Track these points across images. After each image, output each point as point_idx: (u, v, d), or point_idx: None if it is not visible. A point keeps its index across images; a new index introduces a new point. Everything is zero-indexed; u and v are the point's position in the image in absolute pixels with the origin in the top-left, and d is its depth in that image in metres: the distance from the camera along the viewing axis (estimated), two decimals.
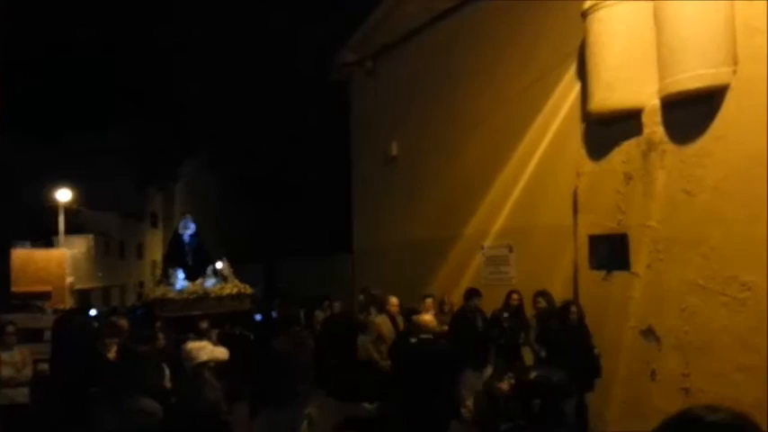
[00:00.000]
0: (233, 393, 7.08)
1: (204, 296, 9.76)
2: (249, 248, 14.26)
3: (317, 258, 16.12)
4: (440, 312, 8.66)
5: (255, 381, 5.91)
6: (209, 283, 10.06)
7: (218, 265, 10.41)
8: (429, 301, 8.78)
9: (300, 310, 11.47)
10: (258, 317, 10.97)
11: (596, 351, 6.55)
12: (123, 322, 7.47)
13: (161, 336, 6.59)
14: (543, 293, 7.42)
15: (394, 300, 8.15)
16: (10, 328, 7.10)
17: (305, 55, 15.71)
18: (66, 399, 5.68)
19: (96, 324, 8.12)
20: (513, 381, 6.27)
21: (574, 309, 6.63)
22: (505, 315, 7.77)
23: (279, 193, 19.29)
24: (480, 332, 7.93)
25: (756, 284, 5.50)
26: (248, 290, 10.28)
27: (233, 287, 10.07)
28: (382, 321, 8.02)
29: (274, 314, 11.74)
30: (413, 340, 5.89)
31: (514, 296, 7.91)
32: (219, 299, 9.83)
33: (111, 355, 5.95)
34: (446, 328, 8.23)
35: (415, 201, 11.03)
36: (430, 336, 5.35)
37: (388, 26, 11.71)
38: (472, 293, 8.24)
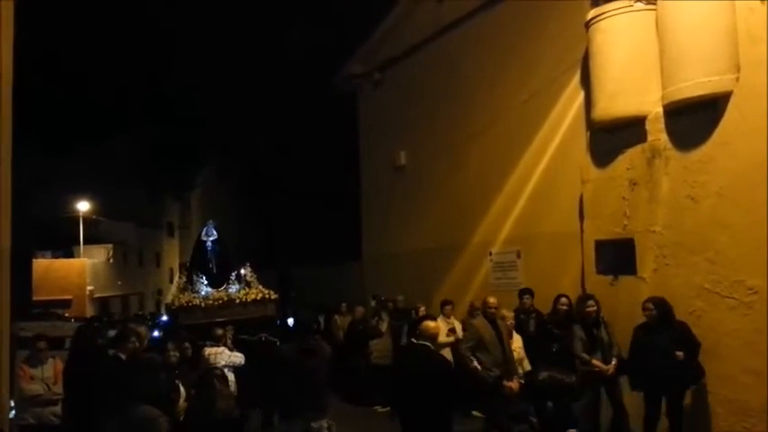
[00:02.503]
0: (253, 400, 7.08)
1: (229, 302, 9.65)
2: (262, 256, 14.41)
3: (329, 266, 16.23)
4: (470, 317, 8.31)
5: (266, 389, 5.77)
6: (234, 289, 9.95)
7: (242, 270, 10.31)
8: (448, 308, 8.75)
9: (320, 316, 11.42)
10: (278, 322, 10.96)
11: (681, 355, 5.77)
12: (142, 329, 7.56)
13: (170, 348, 6.41)
14: (591, 297, 6.79)
15: (492, 300, 6.98)
16: (41, 344, 6.66)
17: (314, 67, 15.91)
18: (79, 414, 5.61)
19: (113, 332, 8.02)
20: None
21: (650, 305, 6.04)
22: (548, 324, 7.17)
23: (290, 202, 19.47)
24: (533, 334, 7.52)
25: (762, 288, 5.55)
26: (273, 295, 10.08)
27: (257, 292, 9.92)
28: (482, 325, 6.73)
29: (291, 321, 11.80)
30: (412, 344, 5.58)
31: (563, 300, 7.17)
32: (244, 305, 9.70)
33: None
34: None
35: (423, 209, 11.12)
36: (428, 343, 5.23)
37: (394, 39, 11.87)
38: (524, 292, 7.84)
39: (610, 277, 7.14)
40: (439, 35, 10.69)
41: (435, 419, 4.91)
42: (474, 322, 6.96)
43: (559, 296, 7.24)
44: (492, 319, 6.70)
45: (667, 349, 5.78)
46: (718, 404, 5.89)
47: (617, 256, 7.07)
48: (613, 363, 6.48)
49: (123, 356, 5.79)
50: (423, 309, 8.87)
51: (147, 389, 3.63)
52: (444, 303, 8.91)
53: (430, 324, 5.23)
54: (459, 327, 8.57)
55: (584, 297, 6.88)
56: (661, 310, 5.98)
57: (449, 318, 8.73)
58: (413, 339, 5.27)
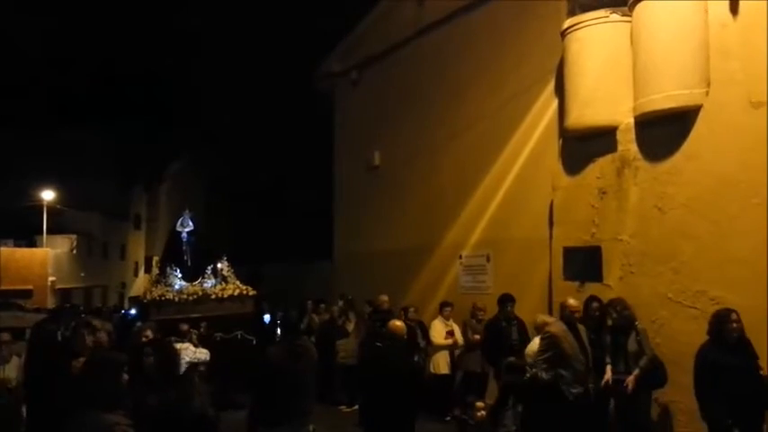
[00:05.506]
0: (225, 401, 6.82)
1: (204, 297, 9.39)
2: (232, 251, 14.30)
3: (300, 263, 16.14)
4: (472, 320, 8.18)
5: (252, 394, 5.47)
6: (209, 283, 9.67)
7: (218, 264, 9.98)
8: (448, 310, 8.50)
9: (304, 316, 11.10)
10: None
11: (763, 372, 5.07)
12: (107, 325, 7.30)
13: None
14: (616, 302, 6.11)
15: (573, 302, 6.21)
16: (5, 336, 6.20)
17: (290, 63, 15.84)
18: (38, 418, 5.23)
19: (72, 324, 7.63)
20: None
21: (734, 317, 5.01)
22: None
23: (263, 198, 19.36)
24: (515, 342, 7.16)
25: (725, 299, 5.64)
26: (251, 291, 9.79)
27: (234, 288, 9.66)
28: (561, 333, 5.84)
29: (266, 318, 11.44)
30: (378, 344, 5.61)
31: (595, 305, 6.39)
32: (220, 300, 9.45)
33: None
34: (477, 337, 7.90)
35: (395, 210, 11.10)
36: (394, 342, 5.22)
37: (373, 38, 11.83)
38: (505, 299, 7.49)
39: (576, 283, 7.22)
40: (418, 36, 10.68)
41: (398, 419, 4.91)
42: (551, 331, 5.80)
43: (590, 299, 6.48)
44: (573, 325, 5.97)
45: (747, 367, 5.00)
46: (680, 412, 6.00)
47: (584, 263, 7.15)
48: (635, 373, 5.75)
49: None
50: (413, 309, 8.66)
51: (105, 393, 3.28)
52: (444, 305, 8.60)
53: (396, 323, 5.27)
54: (457, 330, 8.37)
55: (611, 302, 6.16)
56: (740, 325, 5.07)
57: (448, 320, 8.49)
58: (377, 342, 5.26)
